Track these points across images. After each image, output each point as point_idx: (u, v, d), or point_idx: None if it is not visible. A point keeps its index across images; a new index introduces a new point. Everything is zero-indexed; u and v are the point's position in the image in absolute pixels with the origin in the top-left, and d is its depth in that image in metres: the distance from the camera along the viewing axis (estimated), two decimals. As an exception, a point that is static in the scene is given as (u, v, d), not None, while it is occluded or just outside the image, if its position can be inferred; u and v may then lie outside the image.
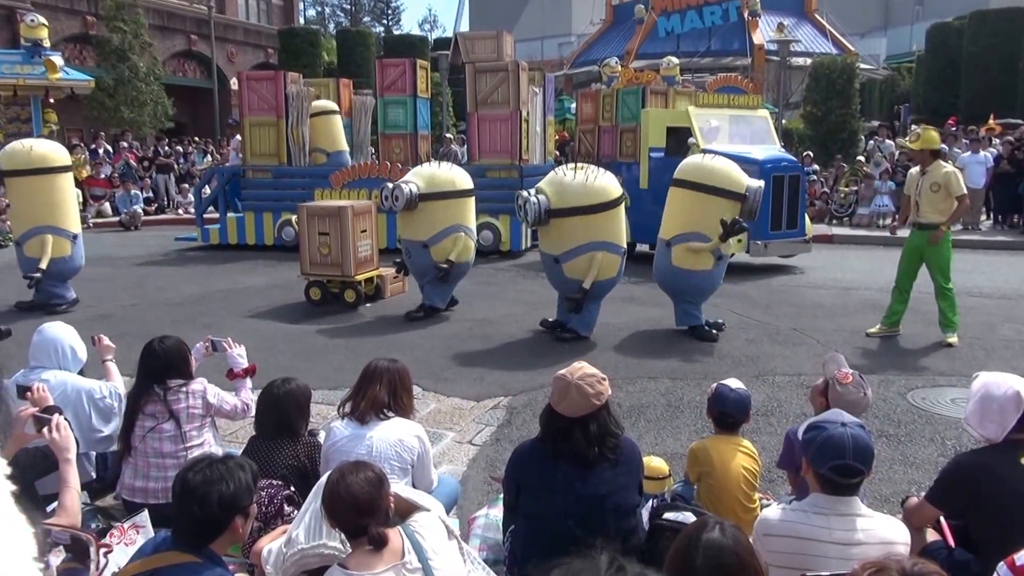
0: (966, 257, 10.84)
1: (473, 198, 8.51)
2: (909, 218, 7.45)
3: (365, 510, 2.45)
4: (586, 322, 7.36)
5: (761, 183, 7.23)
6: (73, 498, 2.72)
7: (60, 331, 4.09)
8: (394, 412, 3.49)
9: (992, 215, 15.18)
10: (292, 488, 3.41)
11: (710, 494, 3.50)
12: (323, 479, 2.99)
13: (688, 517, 2.99)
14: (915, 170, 7.34)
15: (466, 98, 12.86)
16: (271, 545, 2.95)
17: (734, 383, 3.71)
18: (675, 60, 13.17)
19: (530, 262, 12.10)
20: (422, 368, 6.43)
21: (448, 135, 19.48)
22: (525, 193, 7.10)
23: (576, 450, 2.91)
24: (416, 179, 8.10)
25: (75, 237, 8.87)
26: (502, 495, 3.31)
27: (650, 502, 3.33)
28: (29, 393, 3.59)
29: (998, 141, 15.59)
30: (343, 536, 2.76)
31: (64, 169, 8.77)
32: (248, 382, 4.22)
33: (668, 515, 3.08)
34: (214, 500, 2.34)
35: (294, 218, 10.57)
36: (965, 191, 7.21)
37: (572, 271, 7.10)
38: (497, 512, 3.42)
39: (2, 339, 4.28)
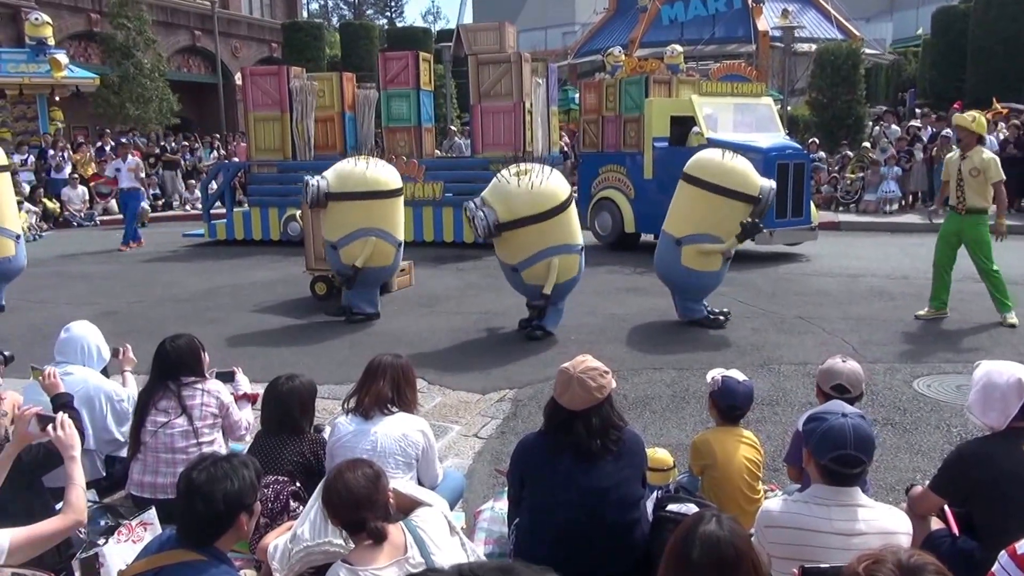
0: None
1: (398, 199, 7.98)
2: (947, 201, 7.42)
3: (362, 504, 2.49)
4: (554, 319, 7.21)
5: (773, 183, 7.11)
6: (79, 495, 2.75)
7: (85, 330, 4.20)
8: (398, 407, 3.51)
9: (998, 200, 15.06)
10: (298, 484, 3.43)
11: (714, 486, 3.50)
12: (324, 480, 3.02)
13: (692, 509, 2.99)
14: (954, 155, 7.33)
15: (469, 90, 12.83)
16: (277, 541, 2.98)
17: (737, 374, 3.71)
18: (679, 48, 13.11)
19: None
20: (427, 361, 6.44)
21: (452, 127, 19.44)
22: (472, 206, 6.83)
23: (578, 443, 2.92)
24: (330, 176, 7.76)
25: (18, 237, 8.82)
26: (507, 488, 3.32)
27: (654, 494, 3.33)
28: (42, 377, 3.66)
29: (1003, 125, 15.45)
30: (346, 533, 2.79)
31: (2, 169, 8.71)
32: (249, 407, 4.23)
33: (672, 507, 3.08)
34: (219, 498, 2.35)
35: (299, 213, 10.58)
36: (1002, 177, 7.24)
37: (531, 278, 6.91)
38: (503, 505, 3.42)
39: (6, 365, 4.34)
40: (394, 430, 3.40)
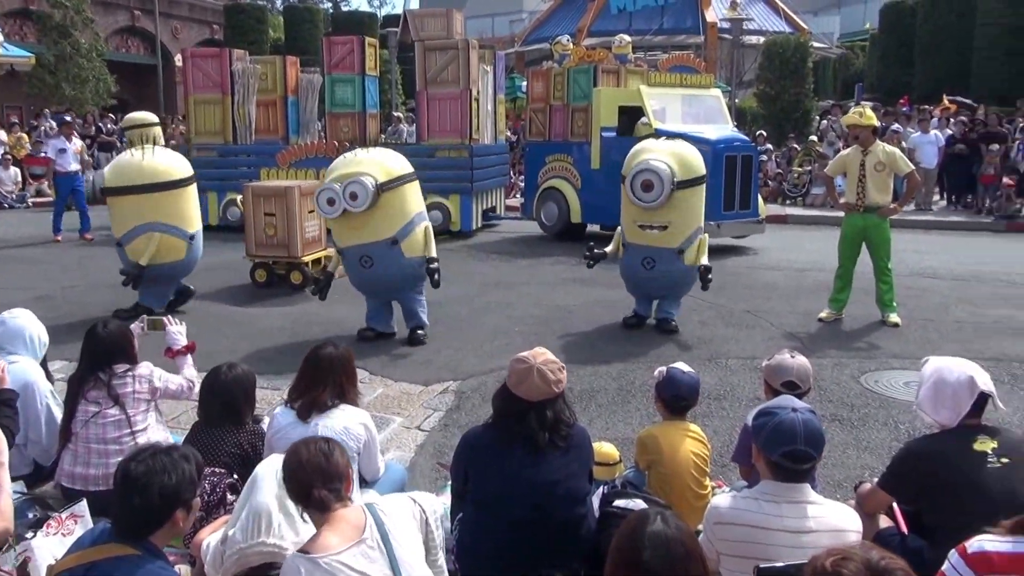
0: (919, 238, 11.01)
1: (186, 188, 7.44)
2: (847, 200, 7.31)
3: (313, 474, 2.45)
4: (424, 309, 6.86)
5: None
6: (6, 503, 2.69)
7: (25, 320, 4.04)
8: (340, 400, 3.44)
9: (946, 195, 15.43)
10: (235, 476, 3.37)
11: (661, 481, 3.46)
12: (256, 473, 2.89)
13: (639, 504, 2.97)
14: (851, 151, 7.25)
15: (415, 76, 12.63)
16: (209, 539, 2.91)
17: (683, 366, 3.66)
18: (627, 38, 13.00)
19: (481, 242, 12.00)
20: (369, 352, 6.29)
21: (397, 114, 19.18)
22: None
23: (528, 436, 2.88)
24: (108, 169, 7.38)
25: None
26: (450, 482, 3.29)
27: (600, 489, 3.28)
28: None
29: (952, 121, 15.81)
30: (287, 529, 2.74)
31: None
32: (189, 359, 4.13)
33: (619, 502, 3.06)
34: (155, 491, 2.29)
35: (239, 198, 10.32)
36: (912, 168, 7.25)
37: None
38: (445, 499, 3.38)
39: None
40: (336, 423, 3.34)
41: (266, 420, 3.73)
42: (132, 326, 4.02)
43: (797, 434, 2.51)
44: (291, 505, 2.63)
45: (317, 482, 2.44)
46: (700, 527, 2.75)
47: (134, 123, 8.06)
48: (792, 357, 3.49)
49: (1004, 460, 2.79)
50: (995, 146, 14.07)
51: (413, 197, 6.60)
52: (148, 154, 7.26)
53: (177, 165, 7.45)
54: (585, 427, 3.12)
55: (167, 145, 8.61)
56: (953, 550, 2.24)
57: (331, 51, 13.19)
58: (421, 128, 12.73)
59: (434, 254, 6.50)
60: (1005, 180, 13.52)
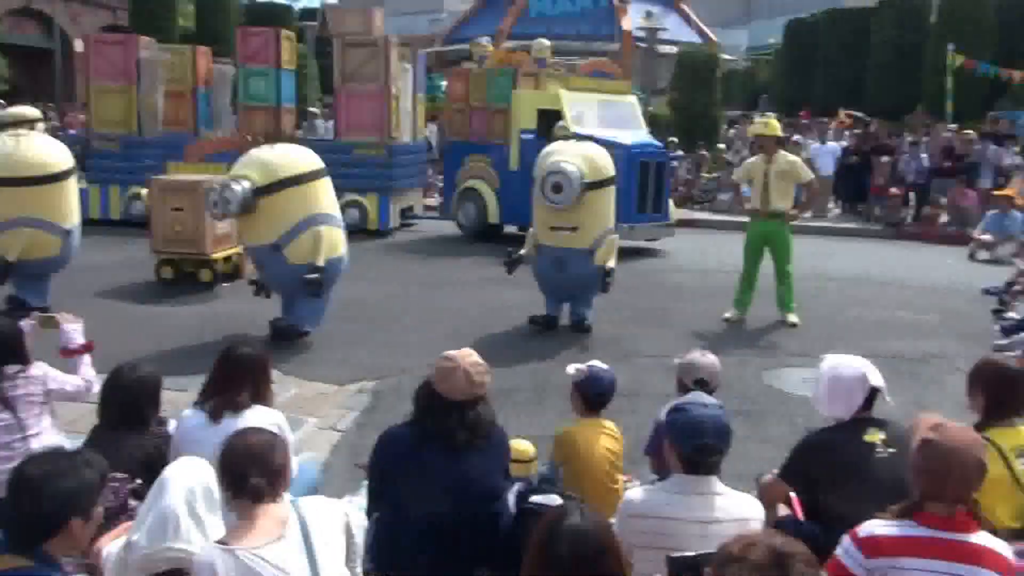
0: (815, 243, 11.50)
1: (59, 184, 7.01)
2: (752, 206, 7.62)
3: (253, 461, 2.42)
4: (313, 314, 6.60)
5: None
6: None
7: None
8: (253, 400, 3.36)
9: (840, 203, 16.21)
10: (138, 481, 3.17)
11: (575, 477, 3.54)
12: (164, 476, 2.81)
13: (555, 500, 3.00)
14: (756, 159, 7.59)
15: (333, 72, 12.44)
16: (110, 547, 2.75)
17: (600, 364, 3.75)
18: (546, 42, 13.16)
19: (399, 242, 11.92)
20: (282, 351, 6.17)
21: (313, 109, 18.81)
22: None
23: (447, 434, 2.90)
24: None
25: None
26: (366, 483, 3.24)
27: (516, 486, 3.30)
28: None
29: (848, 134, 16.62)
30: (195, 534, 2.60)
31: None
32: (87, 358, 3.94)
33: (535, 499, 3.10)
34: (48, 496, 2.18)
35: (144, 192, 9.94)
36: (813, 176, 7.63)
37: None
38: (361, 500, 3.34)
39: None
40: (246, 424, 3.19)
41: (172, 422, 3.60)
42: (22, 324, 3.80)
43: (707, 429, 2.63)
44: (201, 509, 2.55)
45: (256, 471, 2.40)
46: (613, 520, 2.84)
47: (9, 119, 7.43)
48: (703, 355, 3.64)
49: (891, 450, 2.99)
50: (885, 158, 14.88)
51: (304, 200, 6.27)
52: (23, 143, 6.79)
53: (55, 156, 7.02)
54: (502, 426, 3.16)
55: (59, 135, 8.15)
56: (845, 534, 2.40)
57: (245, 42, 12.81)
58: (339, 125, 12.54)
59: (321, 262, 6.19)
60: (893, 190, 14.33)
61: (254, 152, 6.37)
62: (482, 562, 2.93)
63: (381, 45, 12.02)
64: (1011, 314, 7.53)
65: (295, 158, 6.40)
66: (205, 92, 13.25)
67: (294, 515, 2.41)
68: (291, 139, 11.34)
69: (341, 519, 2.55)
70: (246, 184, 6.02)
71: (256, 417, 3.28)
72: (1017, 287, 8.25)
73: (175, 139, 12.21)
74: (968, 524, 2.33)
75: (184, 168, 10.41)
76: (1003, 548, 2.36)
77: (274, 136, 11.96)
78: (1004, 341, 6.87)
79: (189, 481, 2.54)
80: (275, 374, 4.84)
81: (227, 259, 8.83)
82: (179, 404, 4.71)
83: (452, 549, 2.88)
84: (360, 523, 2.70)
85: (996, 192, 12.56)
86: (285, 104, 12.90)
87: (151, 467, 3.23)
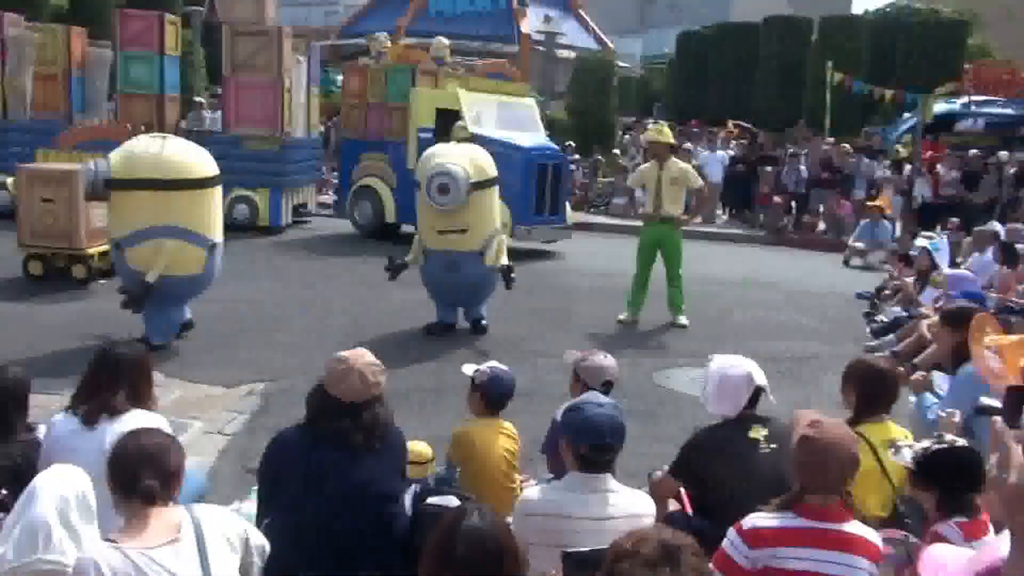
0: (703, 248, 11.95)
1: (203, 191, 6.42)
2: (645, 211, 7.82)
3: (144, 462, 2.35)
4: (161, 327, 6.17)
5: None
6: None
7: None
8: (131, 403, 3.19)
9: (727, 210, 16.89)
10: (3, 491, 2.98)
11: (472, 477, 3.54)
12: (34, 484, 2.64)
13: (452, 501, 3.01)
14: (649, 166, 7.81)
15: (222, 61, 11.99)
16: None
17: (498, 364, 3.76)
18: (445, 41, 13.15)
19: (291, 239, 11.61)
20: (165, 352, 5.95)
21: (200, 99, 18.05)
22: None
23: (341, 437, 2.84)
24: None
25: None
26: (256, 488, 3.15)
27: (413, 487, 3.28)
28: None
29: (735, 143, 17.35)
30: (68, 544, 2.46)
31: None
32: None
33: (432, 500, 3.10)
34: None
35: (10, 181, 9.31)
36: (703, 183, 7.92)
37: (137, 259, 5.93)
38: (250, 506, 3.25)
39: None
40: (125, 429, 3.01)
41: (42, 428, 3.37)
42: None
43: (602, 428, 2.69)
44: (75, 518, 2.42)
45: (148, 471, 2.31)
46: (510, 519, 2.85)
47: None
48: (605, 358, 3.71)
49: (773, 446, 3.13)
50: (769, 168, 15.64)
51: (158, 207, 5.82)
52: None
53: (204, 160, 6.21)
54: (399, 427, 3.12)
55: None
56: (731, 527, 2.49)
57: (126, 25, 12.18)
58: (227, 116, 12.10)
59: (151, 278, 5.80)
60: (776, 199, 15.08)
61: (141, 142, 6.00)
62: (379, 565, 2.88)
63: (273, 35, 11.68)
64: (881, 317, 8.04)
65: (168, 161, 5.86)
66: (79, 76, 12.51)
67: (188, 520, 2.33)
68: (174, 129, 10.90)
69: (239, 533, 2.47)
70: (102, 167, 5.69)
71: (135, 422, 3.12)
72: (887, 292, 8.82)
73: (45, 125, 11.51)
74: (842, 514, 2.47)
75: (55, 156, 9.81)
76: (873, 536, 2.51)
77: (158, 125, 11.51)
78: (874, 342, 7.35)
79: (62, 489, 2.41)
80: (157, 376, 4.65)
81: (104, 254, 8.29)
82: (51, 409, 4.44)
83: (347, 553, 2.82)
84: (262, 544, 2.59)
85: (868, 203, 13.40)
86: (169, 92, 12.35)
87: (19, 476, 3.04)
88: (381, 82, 11.99)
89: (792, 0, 34.64)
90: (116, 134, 10.12)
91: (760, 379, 3.26)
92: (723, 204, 16.65)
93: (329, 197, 14.40)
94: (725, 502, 3.01)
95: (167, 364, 5.66)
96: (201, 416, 4.94)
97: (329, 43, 27.41)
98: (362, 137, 12.22)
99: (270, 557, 2.88)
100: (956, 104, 18.68)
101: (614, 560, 1.83)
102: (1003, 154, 14.87)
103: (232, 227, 10.95)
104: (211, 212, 6.16)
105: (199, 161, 6.03)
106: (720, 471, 3.14)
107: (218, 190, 6.34)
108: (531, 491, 2.87)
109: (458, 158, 6.66)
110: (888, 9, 24.20)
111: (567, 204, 12.17)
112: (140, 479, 2.30)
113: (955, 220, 11.62)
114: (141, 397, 3.26)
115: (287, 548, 2.82)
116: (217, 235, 6.25)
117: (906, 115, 18.68)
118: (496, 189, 7.01)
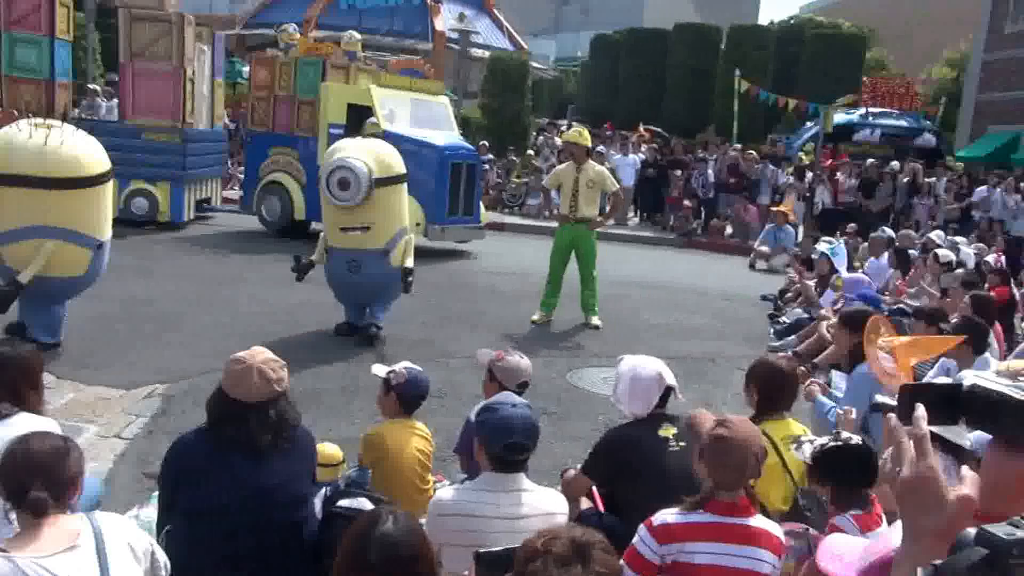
0: (615, 250, 12.13)
1: (93, 189, 5.89)
2: (560, 212, 7.89)
3: (34, 471, 2.24)
4: (46, 325, 5.77)
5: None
6: None
7: None
8: (17, 406, 3.01)
9: (639, 213, 17.24)
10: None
11: (385, 478, 3.48)
12: None
13: (363, 503, 2.96)
14: (566, 167, 7.86)
15: (119, 47, 11.45)
16: None
17: (411, 364, 3.71)
18: (357, 35, 12.89)
19: (194, 235, 11.18)
20: (57, 352, 5.63)
21: (94, 86, 17.18)
22: None
23: (248, 439, 2.75)
24: None
25: None
26: (156, 493, 3.05)
27: (323, 490, 3.21)
28: None
29: (646, 147, 17.73)
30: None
31: None
32: None
33: (343, 502, 3.03)
34: None
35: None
36: (618, 186, 8.04)
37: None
38: (150, 512, 3.13)
39: None
40: (9, 434, 2.86)
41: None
42: None
43: (516, 428, 2.71)
44: None
45: (38, 482, 2.19)
46: (423, 520, 2.82)
47: None
48: (521, 359, 3.72)
49: (682, 444, 3.20)
50: (679, 172, 16.05)
51: (35, 206, 5.37)
52: (54, 137, 5.38)
53: (94, 155, 5.63)
54: (308, 429, 3.05)
55: None
56: (641, 524, 2.53)
57: (11, 5, 11.42)
58: (124, 105, 11.55)
59: (25, 279, 5.38)
60: (685, 203, 15.50)
61: (23, 132, 5.45)
62: (287, 570, 2.81)
63: (175, 22, 11.22)
64: (783, 318, 8.35)
65: (54, 156, 5.34)
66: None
67: (88, 527, 2.22)
68: (66, 118, 10.31)
69: (144, 546, 2.37)
70: None
71: (23, 425, 2.94)
72: (789, 295, 9.17)
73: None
74: (748, 509, 2.55)
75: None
76: (776, 529, 2.60)
77: (47, 112, 10.88)
78: (777, 343, 7.62)
79: None
80: (48, 378, 4.40)
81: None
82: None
83: (254, 559, 2.74)
84: (166, 562, 2.47)
85: (773, 208, 13.92)
86: (59, 79, 11.66)
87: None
88: (289, 75, 11.68)
89: (700, 7, 35.70)
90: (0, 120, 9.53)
91: (670, 379, 3.33)
92: (635, 207, 16.99)
93: (235, 192, 13.96)
94: (636, 499, 3.06)
95: (59, 365, 5.37)
96: (97, 419, 4.70)
97: (235, 32, 26.61)
98: (270, 131, 11.88)
99: (175, 566, 2.77)
100: (855, 115, 19.64)
101: (525, 559, 1.84)
102: (895, 164, 15.75)
103: (130, 222, 10.55)
104: (100, 210, 5.68)
105: (89, 155, 5.50)
106: (631, 469, 3.19)
107: (109, 186, 5.82)
108: (444, 491, 2.85)
109: (361, 153, 6.42)
110: (792, 21, 25.24)
111: (481, 204, 12.17)
112: (28, 491, 2.18)
113: (853, 226, 12.21)
114: (27, 400, 3.09)
115: (190, 556, 2.73)
116: (106, 233, 5.79)
117: (808, 124, 19.52)
118: (404, 187, 6.77)
